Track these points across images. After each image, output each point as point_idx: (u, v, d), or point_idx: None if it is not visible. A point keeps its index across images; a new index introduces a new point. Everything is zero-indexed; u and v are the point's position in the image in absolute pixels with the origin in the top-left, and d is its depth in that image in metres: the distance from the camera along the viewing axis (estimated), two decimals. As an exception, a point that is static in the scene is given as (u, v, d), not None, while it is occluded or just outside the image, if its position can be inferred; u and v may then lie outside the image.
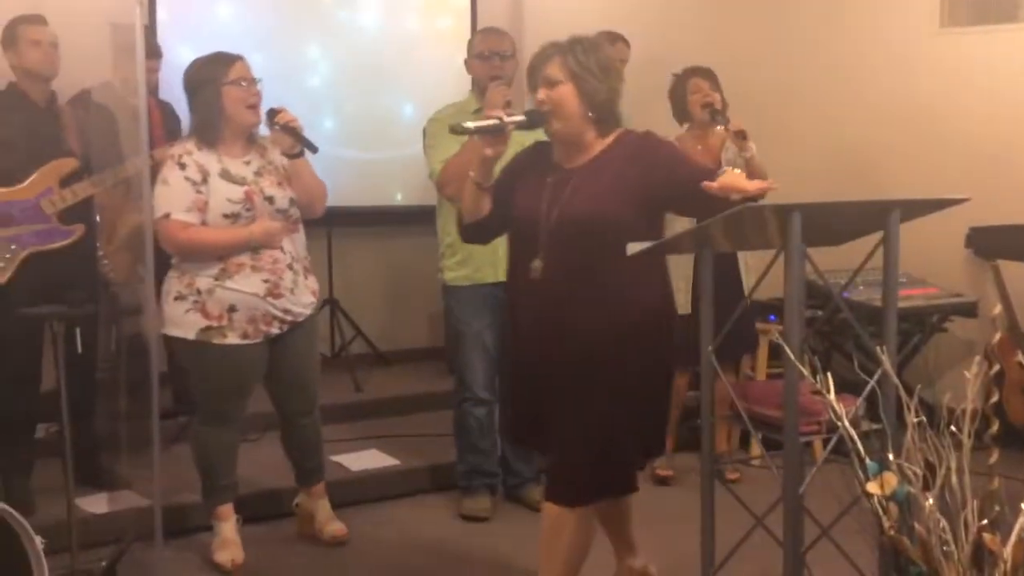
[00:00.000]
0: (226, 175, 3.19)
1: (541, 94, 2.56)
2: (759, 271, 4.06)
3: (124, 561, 2.90)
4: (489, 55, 3.73)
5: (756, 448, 4.55)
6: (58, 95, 3.75)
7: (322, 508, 3.62)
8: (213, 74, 3.18)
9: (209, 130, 3.20)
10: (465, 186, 2.64)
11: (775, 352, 4.76)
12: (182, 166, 3.15)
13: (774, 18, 5.38)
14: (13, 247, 3.49)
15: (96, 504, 3.63)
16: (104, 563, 2.82)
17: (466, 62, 3.86)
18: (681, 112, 4.25)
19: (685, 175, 2.53)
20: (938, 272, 4.79)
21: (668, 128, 4.31)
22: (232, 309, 3.18)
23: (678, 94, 4.25)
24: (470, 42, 3.98)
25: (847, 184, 4.94)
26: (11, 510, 2.48)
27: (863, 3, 5.18)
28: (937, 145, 4.94)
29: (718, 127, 4.13)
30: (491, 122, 2.51)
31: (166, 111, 4.26)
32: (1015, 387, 4.27)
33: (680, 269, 4.11)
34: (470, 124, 2.48)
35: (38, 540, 2.52)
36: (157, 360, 2.75)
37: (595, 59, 2.56)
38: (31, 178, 3.56)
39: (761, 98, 4.95)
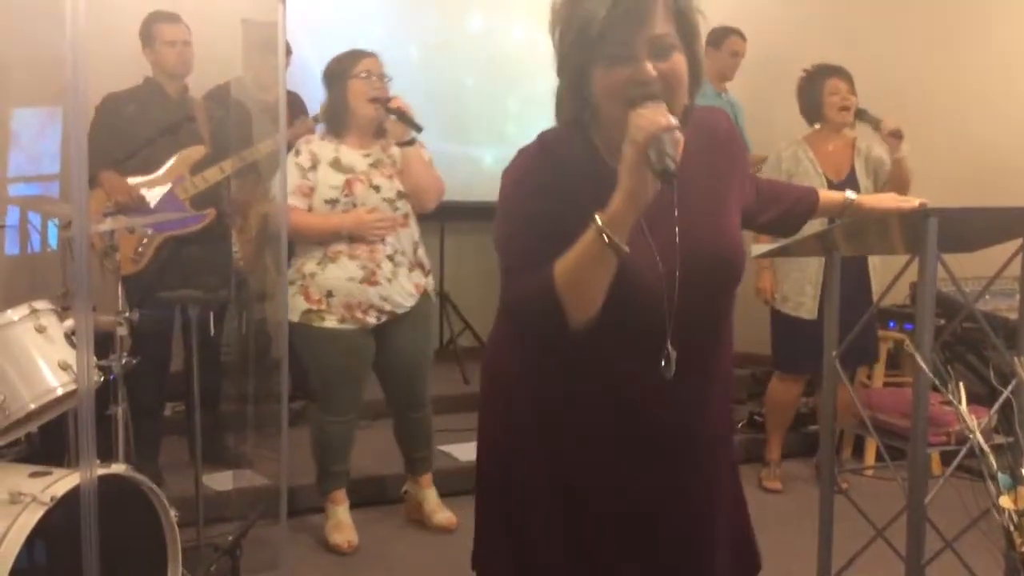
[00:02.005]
0: (336, 164, 3.32)
1: (649, 67, 1.47)
2: (883, 272, 4.00)
3: (247, 538, 3.01)
4: None
5: (870, 456, 4.44)
6: (190, 87, 3.91)
7: (429, 497, 3.70)
8: (342, 68, 3.35)
9: (335, 120, 3.36)
10: (588, 259, 1.45)
11: (892, 360, 4.65)
12: (296, 152, 3.32)
13: (908, 14, 5.20)
14: (151, 232, 3.67)
15: (219, 481, 3.78)
16: (231, 538, 2.94)
17: None
18: (814, 112, 4.09)
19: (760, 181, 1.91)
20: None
21: (792, 127, 4.24)
22: (330, 294, 3.31)
23: (811, 93, 4.09)
24: None
25: (982, 191, 4.75)
26: (150, 482, 2.61)
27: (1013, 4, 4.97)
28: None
29: (852, 128, 4.03)
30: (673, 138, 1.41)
31: (294, 104, 4.39)
32: None
33: (808, 273, 4.03)
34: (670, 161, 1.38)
35: (172, 512, 2.65)
36: (285, 345, 2.85)
37: (696, 11, 1.55)
38: (166, 166, 3.74)
39: (892, 98, 4.81)
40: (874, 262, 4.02)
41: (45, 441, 2.98)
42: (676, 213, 1.56)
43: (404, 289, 3.40)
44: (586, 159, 1.55)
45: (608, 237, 1.41)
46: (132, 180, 3.69)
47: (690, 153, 1.50)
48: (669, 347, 1.54)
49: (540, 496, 1.65)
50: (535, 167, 1.60)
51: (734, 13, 5.04)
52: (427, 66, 5.54)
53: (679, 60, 1.50)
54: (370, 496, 3.83)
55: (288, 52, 4.42)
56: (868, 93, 4.12)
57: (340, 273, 3.29)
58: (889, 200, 2.13)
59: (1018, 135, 4.91)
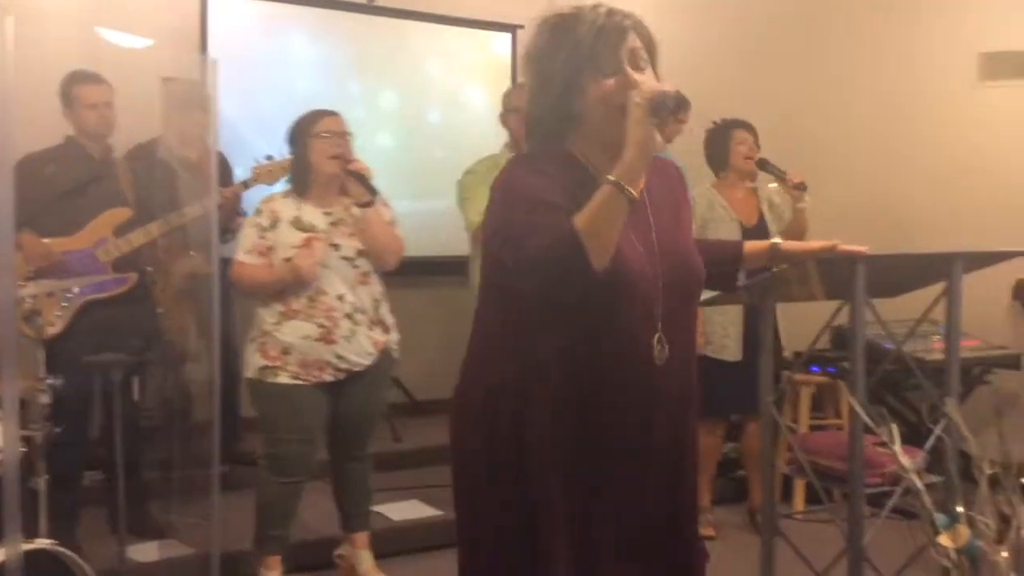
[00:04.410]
0: (297, 223, 3.33)
1: (631, 72, 1.76)
2: (786, 320, 4.11)
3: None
4: None
5: (799, 499, 4.51)
6: (114, 147, 3.83)
7: (365, 559, 3.61)
8: (303, 127, 3.38)
9: (298, 180, 3.40)
10: (605, 206, 1.66)
11: (816, 403, 4.75)
12: (257, 212, 3.36)
13: (813, 71, 5.43)
14: (69, 296, 3.56)
15: (144, 553, 3.63)
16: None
17: (502, 116, 3.89)
18: (721, 161, 4.27)
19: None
20: (981, 324, 4.77)
21: (705, 175, 4.36)
22: (286, 351, 3.29)
23: (719, 143, 4.27)
24: (506, 96, 4.00)
25: (886, 236, 4.95)
26: (76, 557, 2.49)
27: (904, 57, 5.24)
28: (977, 196, 4.97)
29: (755, 180, 4.17)
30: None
31: (220, 163, 4.32)
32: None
33: (729, 316, 4.12)
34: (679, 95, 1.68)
35: (98, 587, 2.54)
36: (216, 407, 2.77)
37: (654, 38, 1.88)
38: (86, 228, 3.64)
39: (799, 150, 5.00)
40: (781, 309, 4.12)
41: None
42: (648, 221, 1.82)
43: (362, 348, 3.38)
44: (567, 165, 1.78)
45: (621, 186, 1.64)
46: (52, 241, 3.58)
47: (654, 185, 1.84)
48: (661, 333, 1.78)
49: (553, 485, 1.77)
50: (530, 171, 1.79)
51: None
52: (356, 123, 5.53)
53: (651, 73, 1.80)
54: (304, 561, 3.72)
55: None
56: (774, 145, 4.29)
57: (297, 331, 3.28)
58: (812, 243, 2.16)
59: (918, 184, 5.15)
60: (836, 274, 2.20)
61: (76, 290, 3.57)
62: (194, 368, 3.97)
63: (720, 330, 4.15)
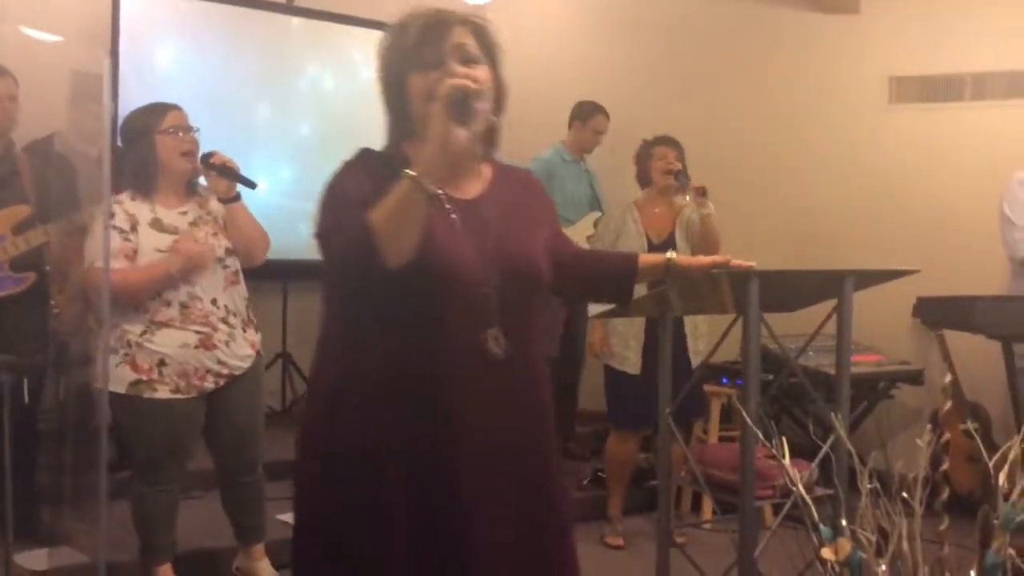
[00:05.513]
0: (157, 224, 3.15)
1: (455, 66, 1.72)
2: (708, 334, 4.16)
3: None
4: None
5: (707, 510, 4.56)
6: (15, 142, 3.71)
7: (264, 571, 3.52)
8: (147, 124, 3.17)
9: (144, 180, 3.17)
10: (401, 202, 1.63)
11: (726, 415, 4.81)
12: (112, 215, 3.10)
13: (732, 90, 5.53)
14: (-39, 294, 3.43)
15: (34, 560, 3.50)
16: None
17: None
18: (644, 176, 4.35)
19: (565, 239, 2.10)
20: (885, 340, 4.89)
21: (636, 192, 4.41)
22: (162, 363, 3.12)
23: (643, 159, 4.35)
24: None
25: (800, 253, 5.06)
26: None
27: (817, 80, 5.36)
28: (886, 215, 5.11)
29: (678, 194, 4.23)
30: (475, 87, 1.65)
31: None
32: (960, 455, 4.36)
33: (632, 328, 4.16)
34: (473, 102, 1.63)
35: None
36: (106, 412, 2.69)
37: (495, 38, 1.85)
38: (-17, 225, 3.52)
39: (716, 169, 5.07)
40: (696, 321, 4.17)
41: None
42: (487, 221, 1.80)
43: (241, 350, 3.28)
44: (392, 165, 1.70)
45: (418, 181, 1.61)
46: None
47: (503, 188, 1.87)
48: (497, 329, 1.76)
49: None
50: (352, 171, 1.81)
51: (586, 87, 5.22)
52: (269, 120, 5.46)
53: (483, 70, 1.77)
54: (201, 572, 3.63)
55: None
56: (692, 165, 4.35)
57: (172, 340, 3.12)
58: (703, 257, 2.19)
59: (829, 202, 5.27)
60: (741, 289, 2.23)
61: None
62: (92, 371, 3.85)
63: (623, 341, 4.19)
